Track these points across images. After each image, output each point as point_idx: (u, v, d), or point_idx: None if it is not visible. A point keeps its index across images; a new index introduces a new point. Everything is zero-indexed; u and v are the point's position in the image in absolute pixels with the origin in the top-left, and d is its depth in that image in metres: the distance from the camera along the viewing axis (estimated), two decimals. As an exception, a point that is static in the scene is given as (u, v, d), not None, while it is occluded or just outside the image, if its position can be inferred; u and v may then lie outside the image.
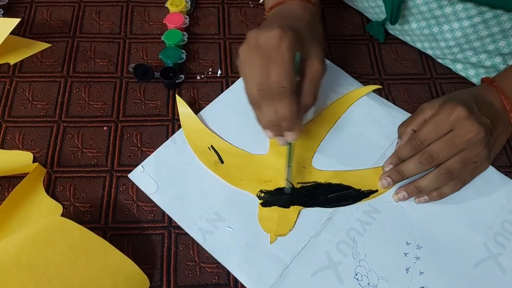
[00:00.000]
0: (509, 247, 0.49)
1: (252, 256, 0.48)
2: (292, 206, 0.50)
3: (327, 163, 0.54)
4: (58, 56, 0.61)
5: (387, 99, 0.59)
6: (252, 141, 0.55)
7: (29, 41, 0.62)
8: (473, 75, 0.61)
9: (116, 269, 0.44)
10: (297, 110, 0.45)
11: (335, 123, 0.57)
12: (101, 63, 0.60)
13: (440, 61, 0.63)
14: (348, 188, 0.52)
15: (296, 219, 0.50)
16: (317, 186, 0.52)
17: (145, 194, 0.51)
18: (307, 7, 0.53)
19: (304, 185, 0.52)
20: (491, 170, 0.54)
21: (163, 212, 0.50)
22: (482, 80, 0.55)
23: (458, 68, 0.62)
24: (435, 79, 0.61)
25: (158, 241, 0.48)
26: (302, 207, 0.51)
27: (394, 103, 0.58)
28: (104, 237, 0.48)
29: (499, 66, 0.58)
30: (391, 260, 0.48)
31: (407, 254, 0.48)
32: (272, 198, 0.51)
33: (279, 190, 0.51)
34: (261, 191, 0.51)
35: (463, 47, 0.58)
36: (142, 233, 0.49)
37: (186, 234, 0.48)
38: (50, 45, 0.62)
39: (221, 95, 0.58)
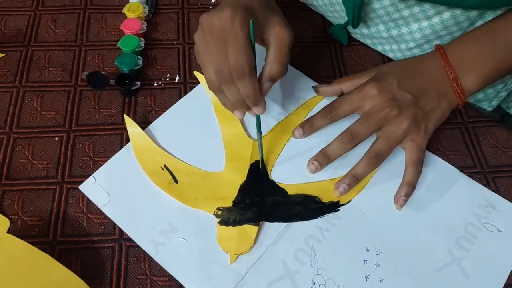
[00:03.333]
0: (472, 251, 0.48)
1: (206, 267, 0.46)
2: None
3: (286, 176, 0.52)
4: (11, 65, 0.59)
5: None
6: (207, 158, 0.53)
7: (-18, 51, 0.60)
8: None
9: (61, 286, 0.42)
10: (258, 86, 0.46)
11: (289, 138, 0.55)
12: (55, 72, 0.59)
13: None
14: (313, 198, 0.50)
15: (257, 235, 0.48)
16: (279, 201, 0.50)
17: (96, 206, 0.49)
18: None
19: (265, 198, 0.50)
20: (454, 172, 0.53)
21: (114, 224, 0.48)
22: (435, 46, 0.54)
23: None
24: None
25: (108, 255, 0.46)
26: (262, 221, 0.49)
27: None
28: (53, 252, 0.46)
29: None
30: (350, 268, 0.47)
31: (366, 261, 0.47)
32: (230, 214, 0.49)
33: (237, 204, 0.49)
34: (218, 208, 0.49)
35: (423, 47, 0.58)
36: (91, 246, 0.47)
37: (138, 246, 0.47)
38: (3, 55, 0.60)
39: (173, 105, 0.56)
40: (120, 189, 0.50)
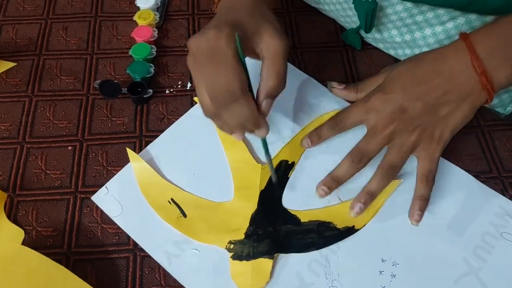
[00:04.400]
0: (490, 261, 0.47)
1: (220, 279, 0.46)
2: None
3: (298, 202, 0.50)
4: (23, 75, 0.59)
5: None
6: (214, 187, 0.51)
7: (-6, 60, 0.60)
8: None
9: (76, 298, 0.42)
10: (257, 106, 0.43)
11: (301, 156, 0.53)
12: (67, 81, 0.59)
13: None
14: (327, 225, 0.48)
15: (272, 269, 0.46)
16: (293, 230, 0.48)
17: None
18: None
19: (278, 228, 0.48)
20: (470, 179, 0.52)
21: (128, 235, 0.48)
22: (460, 35, 0.48)
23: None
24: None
25: (123, 265, 0.46)
26: (277, 254, 0.47)
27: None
28: (67, 263, 0.46)
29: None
30: (365, 279, 0.46)
31: (382, 272, 0.46)
32: (243, 248, 0.46)
33: (249, 236, 0.47)
34: (230, 242, 0.47)
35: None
36: (106, 257, 0.47)
37: (152, 257, 0.47)
38: (15, 64, 0.60)
39: (173, 125, 0.55)
40: (132, 199, 0.50)
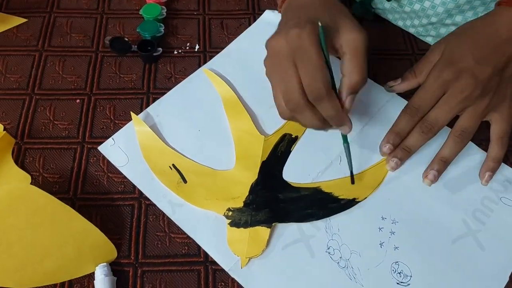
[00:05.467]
0: (488, 224, 0.48)
1: (222, 229, 0.46)
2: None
3: (299, 176, 0.50)
4: (34, 31, 0.60)
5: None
6: (216, 155, 0.51)
7: (5, 15, 0.61)
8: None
9: (81, 237, 0.43)
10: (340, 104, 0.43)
11: (305, 130, 0.53)
12: (77, 38, 0.60)
13: (422, 39, 0.62)
14: (328, 196, 0.48)
15: (269, 237, 0.46)
16: (292, 200, 0.48)
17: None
18: None
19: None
20: (471, 146, 0.53)
21: (134, 184, 0.49)
22: (499, 3, 0.48)
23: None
24: (416, 54, 0.60)
25: (128, 212, 0.47)
26: (275, 223, 0.47)
27: (375, 80, 0.57)
28: (72, 208, 0.46)
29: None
30: (364, 234, 0.47)
31: (381, 229, 0.47)
32: (241, 215, 0.47)
33: (248, 205, 0.47)
34: (228, 209, 0.47)
35: (446, 22, 0.57)
36: (111, 204, 0.48)
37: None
38: (26, 20, 0.61)
39: (176, 87, 0.55)
40: (138, 151, 0.50)
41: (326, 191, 0.49)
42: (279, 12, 0.52)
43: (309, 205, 0.48)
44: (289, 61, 0.40)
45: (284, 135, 0.53)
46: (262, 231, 0.46)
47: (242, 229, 0.46)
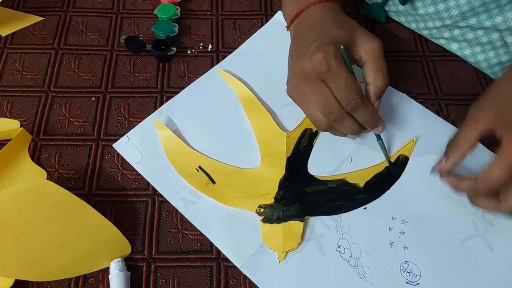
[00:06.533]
0: (497, 225, 0.49)
1: (234, 226, 0.47)
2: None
3: (323, 169, 0.51)
4: (50, 29, 0.61)
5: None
6: (240, 154, 0.51)
7: (22, 14, 0.62)
8: (469, 55, 0.60)
9: (96, 232, 0.44)
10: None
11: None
12: (93, 37, 0.60)
13: (435, 41, 0.62)
14: (355, 187, 0.50)
15: (303, 230, 0.47)
16: (321, 194, 0.49)
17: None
18: (326, 8, 0.50)
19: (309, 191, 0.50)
20: (481, 147, 0.53)
21: (147, 181, 0.49)
22: None
23: (454, 48, 0.61)
24: (427, 56, 0.61)
25: (142, 208, 0.48)
26: (307, 216, 0.48)
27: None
28: (87, 203, 0.47)
29: (496, 43, 0.58)
30: (375, 234, 0.47)
31: (391, 229, 0.48)
32: (273, 211, 0.48)
33: (278, 201, 0.48)
34: (260, 206, 0.48)
35: (460, 24, 0.58)
36: (125, 200, 0.48)
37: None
38: (42, 18, 0.62)
39: (191, 85, 0.56)
40: (152, 148, 0.51)
41: (351, 182, 0.50)
42: (288, 30, 0.53)
43: (337, 197, 0.49)
44: (318, 82, 0.44)
45: (305, 130, 0.53)
46: (295, 225, 0.47)
47: (275, 224, 0.47)
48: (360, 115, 0.45)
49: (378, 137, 0.51)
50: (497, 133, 0.43)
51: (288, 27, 0.54)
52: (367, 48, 0.45)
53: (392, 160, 0.52)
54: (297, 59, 0.45)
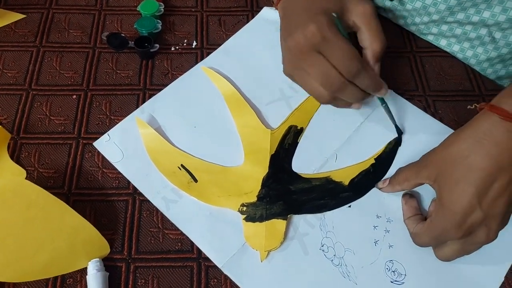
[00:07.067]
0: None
1: (216, 225, 0.46)
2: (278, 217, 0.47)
3: (307, 167, 0.50)
4: (32, 26, 0.60)
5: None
6: (223, 152, 0.50)
7: (3, 11, 0.61)
8: (458, 51, 0.60)
9: (74, 232, 0.43)
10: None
11: (309, 121, 0.53)
12: (75, 34, 0.60)
13: (423, 37, 0.61)
14: (339, 185, 0.49)
15: (286, 229, 0.46)
16: (305, 191, 0.48)
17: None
18: None
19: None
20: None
21: (128, 180, 0.49)
22: (480, 108, 0.42)
23: (442, 44, 0.60)
24: (415, 52, 0.60)
25: (122, 208, 0.47)
26: (290, 215, 0.47)
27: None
28: (67, 203, 0.46)
29: (484, 38, 0.57)
30: (359, 232, 0.47)
31: (376, 227, 0.47)
32: (256, 210, 0.47)
33: (261, 199, 0.47)
34: (242, 204, 0.47)
35: (447, 19, 0.57)
36: (105, 199, 0.48)
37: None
38: (24, 16, 0.61)
39: (173, 83, 0.55)
40: (133, 147, 0.50)
41: (336, 180, 0.49)
42: (276, 8, 0.52)
43: (321, 195, 0.48)
44: (314, 53, 0.43)
45: (290, 127, 0.53)
46: (278, 224, 0.46)
47: (258, 223, 0.46)
48: (362, 81, 0.44)
49: (382, 101, 0.50)
50: (436, 191, 0.43)
51: (276, 4, 0.52)
52: (359, 12, 0.45)
53: (375, 156, 0.51)
54: (289, 34, 0.44)
